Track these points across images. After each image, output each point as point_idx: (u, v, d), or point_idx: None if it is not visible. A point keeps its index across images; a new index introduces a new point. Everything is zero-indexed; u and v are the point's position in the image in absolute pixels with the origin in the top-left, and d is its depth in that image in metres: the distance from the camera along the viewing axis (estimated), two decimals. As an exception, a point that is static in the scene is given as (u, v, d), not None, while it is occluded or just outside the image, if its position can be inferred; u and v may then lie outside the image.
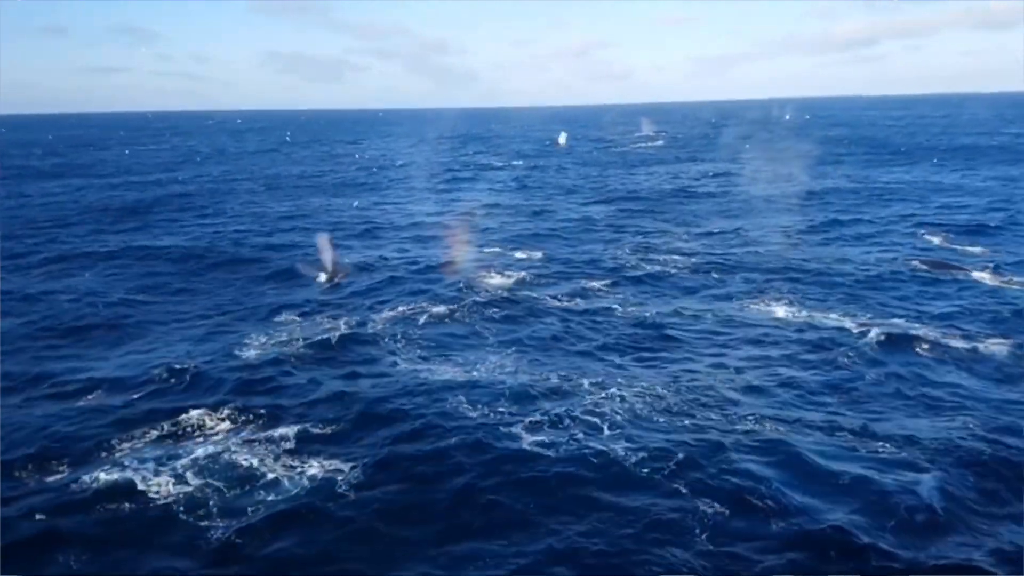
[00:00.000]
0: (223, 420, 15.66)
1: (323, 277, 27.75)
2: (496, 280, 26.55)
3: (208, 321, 23.33)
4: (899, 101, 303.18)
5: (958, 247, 30.11)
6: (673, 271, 27.67)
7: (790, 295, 24.05)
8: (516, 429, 14.64)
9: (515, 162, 76.11)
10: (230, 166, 78.16)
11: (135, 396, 17.06)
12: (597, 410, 15.44)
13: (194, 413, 15.95)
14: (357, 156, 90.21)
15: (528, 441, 14.10)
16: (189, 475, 13.23)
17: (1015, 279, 24.62)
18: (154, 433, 15.01)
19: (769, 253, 30.50)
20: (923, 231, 33.26)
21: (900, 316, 21.35)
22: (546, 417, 15.16)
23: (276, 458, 13.80)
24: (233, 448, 14.20)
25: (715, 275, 27.09)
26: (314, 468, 13.38)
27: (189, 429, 15.23)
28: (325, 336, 20.69)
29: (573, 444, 13.95)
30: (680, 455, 13.46)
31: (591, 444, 13.93)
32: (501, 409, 15.59)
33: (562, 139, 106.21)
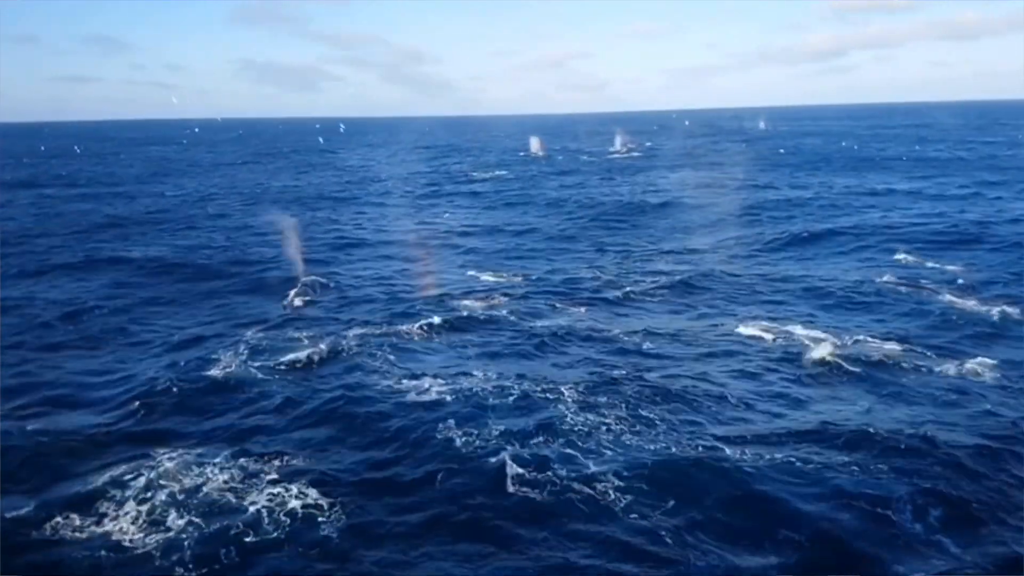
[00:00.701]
0: (196, 445, 15.24)
1: (294, 293, 27.40)
2: (476, 299, 26.26)
3: (177, 338, 22.89)
4: (870, 110, 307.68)
5: (934, 263, 30.19)
6: (654, 289, 27.58)
7: (771, 312, 24.13)
8: (499, 456, 14.33)
9: (497, 172, 76.02)
10: (205, 177, 77.19)
11: (102, 420, 16.66)
12: (582, 434, 15.21)
13: (166, 437, 15.54)
14: (335, 167, 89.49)
15: (512, 472, 13.75)
16: (164, 508, 12.80)
17: (991, 296, 24.82)
18: (123, 463, 14.44)
19: (749, 270, 30.66)
20: (899, 245, 33.42)
21: (879, 333, 21.46)
22: (529, 441, 14.91)
23: (257, 488, 13.42)
24: (209, 476, 13.84)
25: (695, 292, 27.09)
26: (294, 501, 13.01)
27: (161, 456, 14.71)
28: (298, 355, 20.42)
29: (558, 471, 13.68)
30: (669, 482, 13.29)
31: (576, 471, 13.68)
32: (483, 433, 15.33)
33: (536, 146, 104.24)
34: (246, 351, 20.94)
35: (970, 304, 23.95)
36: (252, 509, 12.77)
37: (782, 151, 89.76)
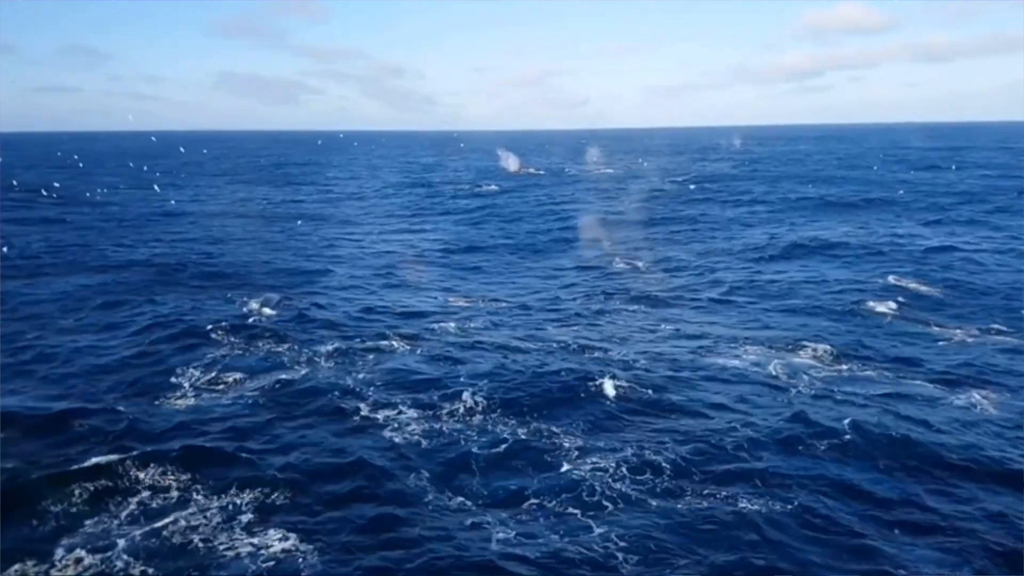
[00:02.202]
0: (161, 478, 14.25)
1: (262, 307, 26.70)
2: (455, 319, 25.47)
3: (132, 352, 21.89)
4: (844, 130, 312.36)
5: (923, 287, 29.71)
6: (638, 306, 27.31)
7: (754, 330, 23.85)
8: (486, 514, 12.96)
9: (477, 188, 75.56)
10: (182, 190, 75.98)
11: (55, 450, 15.38)
12: (578, 486, 13.88)
13: (129, 471, 14.44)
14: (313, 182, 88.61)
15: (498, 538, 12.24)
16: (123, 556, 11.76)
17: (976, 323, 24.78)
18: (72, 496, 13.38)
19: (730, 285, 30.58)
20: (889, 272, 32.51)
21: (863, 354, 21.31)
22: (520, 497, 13.52)
23: (230, 532, 12.46)
24: (175, 518, 12.85)
25: (682, 308, 26.84)
26: (274, 545, 12.11)
27: (123, 491, 13.71)
28: (266, 378, 19.48)
29: (553, 535, 12.33)
30: (678, 551, 12.07)
31: (572, 536, 12.30)
32: (468, 485, 14.07)
33: (511, 163, 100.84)
34: (205, 373, 20.06)
35: (952, 328, 23.96)
36: (228, 555, 11.91)
37: (760, 168, 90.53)
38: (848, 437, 15.70)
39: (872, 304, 26.59)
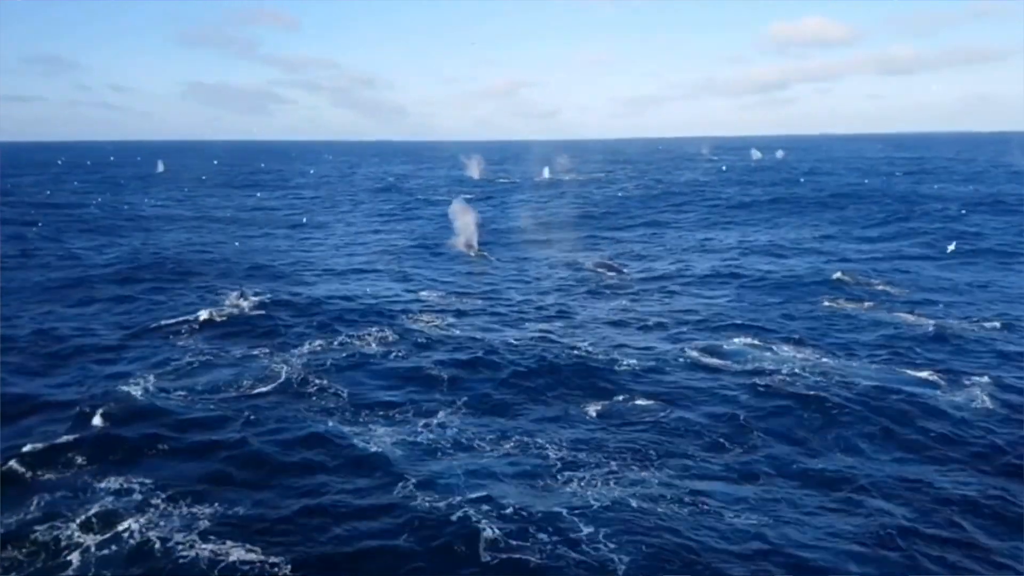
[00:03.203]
0: (120, 478, 13.57)
1: (225, 301, 26.43)
2: (429, 318, 25.19)
3: (91, 345, 21.43)
4: (810, 140, 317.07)
5: (889, 286, 30.04)
6: (611, 305, 27.41)
7: (735, 325, 24.06)
8: (471, 520, 12.31)
9: (448, 194, 75.68)
10: (154, 195, 75.11)
11: (4, 444, 14.69)
12: (568, 493, 13.35)
13: (84, 469, 13.90)
14: (283, 188, 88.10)
15: (487, 542, 11.68)
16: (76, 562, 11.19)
17: (926, 310, 25.58)
18: (29, 502, 12.64)
19: (706, 280, 31.13)
20: (853, 268, 33.15)
21: (853, 350, 21.39)
22: (508, 508, 12.77)
23: (188, 535, 11.86)
24: (134, 521, 12.22)
25: (663, 305, 26.95)
26: (236, 551, 11.57)
27: (79, 492, 13.07)
28: (233, 375, 18.87)
29: (542, 534, 11.90)
30: (667, 550, 11.71)
31: (567, 545, 11.75)
32: (450, 484, 13.56)
33: (474, 169, 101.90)
34: (176, 364, 19.66)
35: (913, 320, 24.55)
36: (174, 558, 11.40)
37: (731, 176, 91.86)
38: (827, 428, 15.95)
39: (838, 299, 27.31)
